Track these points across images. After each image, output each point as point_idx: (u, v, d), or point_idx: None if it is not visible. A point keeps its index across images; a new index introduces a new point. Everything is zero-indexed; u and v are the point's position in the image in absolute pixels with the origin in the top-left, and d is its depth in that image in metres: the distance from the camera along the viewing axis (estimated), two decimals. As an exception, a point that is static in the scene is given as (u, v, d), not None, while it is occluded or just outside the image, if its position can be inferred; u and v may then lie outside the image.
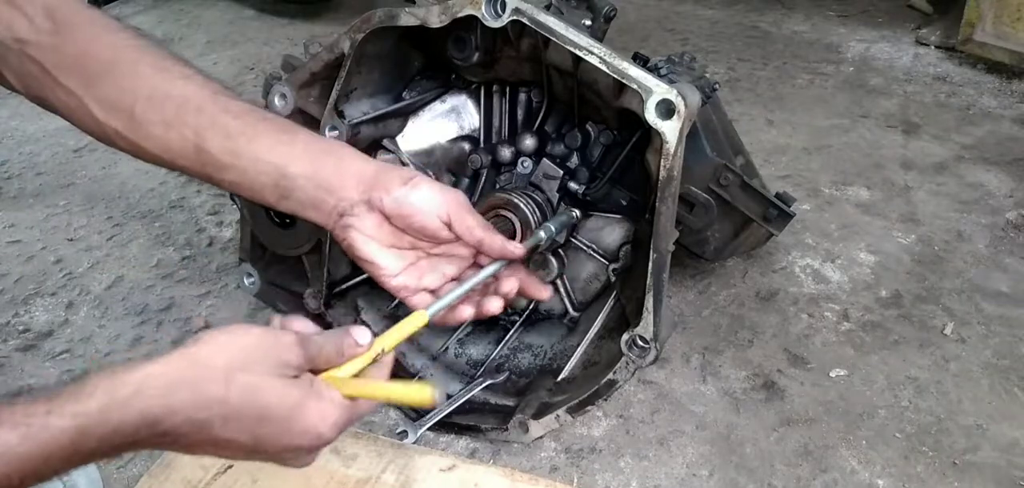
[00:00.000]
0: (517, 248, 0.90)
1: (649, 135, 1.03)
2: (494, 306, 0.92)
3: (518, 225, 1.13)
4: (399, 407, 1.22)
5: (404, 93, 1.26)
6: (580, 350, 1.18)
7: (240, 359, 0.68)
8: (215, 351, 0.68)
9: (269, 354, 0.70)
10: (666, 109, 0.96)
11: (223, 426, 0.67)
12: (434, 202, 0.86)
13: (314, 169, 0.85)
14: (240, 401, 0.67)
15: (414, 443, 1.15)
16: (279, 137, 0.86)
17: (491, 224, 0.91)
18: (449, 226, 0.87)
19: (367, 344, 0.77)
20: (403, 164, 1.28)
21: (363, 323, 1.27)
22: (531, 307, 1.29)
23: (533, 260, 1.21)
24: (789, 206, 1.30)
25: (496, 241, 0.88)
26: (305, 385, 0.72)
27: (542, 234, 1.04)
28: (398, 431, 1.16)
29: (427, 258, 0.91)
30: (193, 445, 0.68)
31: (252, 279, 1.33)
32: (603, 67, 0.98)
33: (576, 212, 1.21)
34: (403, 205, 0.85)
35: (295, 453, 0.74)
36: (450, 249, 0.91)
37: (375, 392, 0.78)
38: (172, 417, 0.65)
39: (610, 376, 1.07)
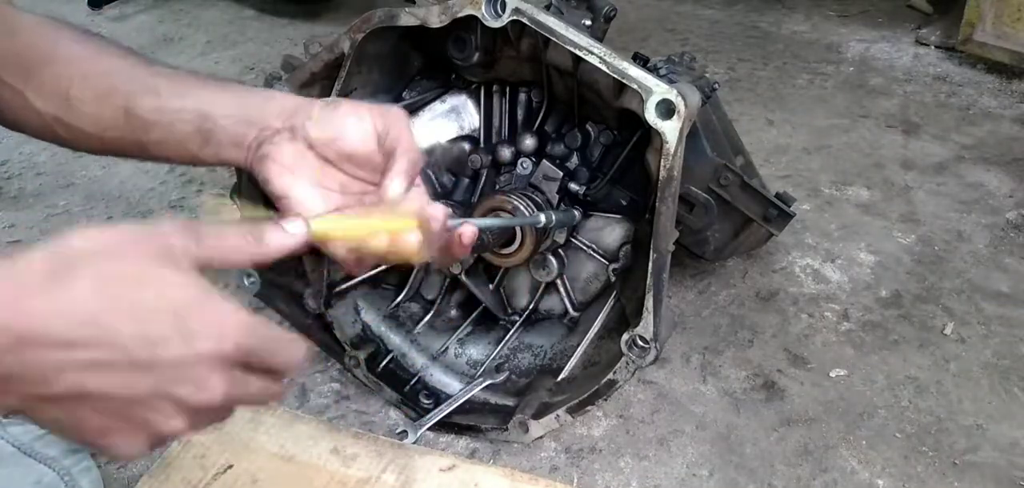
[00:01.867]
0: (432, 208, 0.75)
1: (649, 135, 1.03)
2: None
3: (518, 227, 1.13)
4: (399, 405, 1.22)
5: (404, 93, 1.26)
6: (580, 350, 1.18)
7: (100, 245, 0.54)
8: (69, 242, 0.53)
9: (141, 240, 0.56)
10: (666, 109, 0.96)
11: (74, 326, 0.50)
12: (361, 120, 0.76)
13: (238, 107, 0.79)
14: (94, 284, 0.51)
15: (414, 443, 1.15)
16: (207, 86, 0.81)
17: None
18: (382, 143, 0.76)
19: (299, 233, 0.63)
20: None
21: (364, 323, 1.27)
22: (531, 307, 1.29)
23: (533, 260, 1.21)
24: (789, 206, 1.31)
25: (426, 207, 0.75)
26: (196, 276, 0.56)
27: (542, 217, 1.06)
28: (398, 431, 1.17)
29: (356, 207, 0.77)
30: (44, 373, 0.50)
31: (252, 279, 1.33)
32: (603, 67, 0.98)
33: (577, 211, 1.21)
34: (325, 126, 0.75)
35: (190, 369, 0.54)
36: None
37: (351, 228, 0.65)
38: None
39: (610, 376, 1.07)
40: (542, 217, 1.09)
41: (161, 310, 0.53)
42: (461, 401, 1.18)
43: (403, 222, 0.66)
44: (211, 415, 0.59)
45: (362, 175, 0.77)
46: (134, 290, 0.53)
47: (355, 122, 0.76)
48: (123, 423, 0.55)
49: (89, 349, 0.50)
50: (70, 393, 0.51)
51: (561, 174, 1.22)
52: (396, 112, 0.77)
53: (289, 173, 0.75)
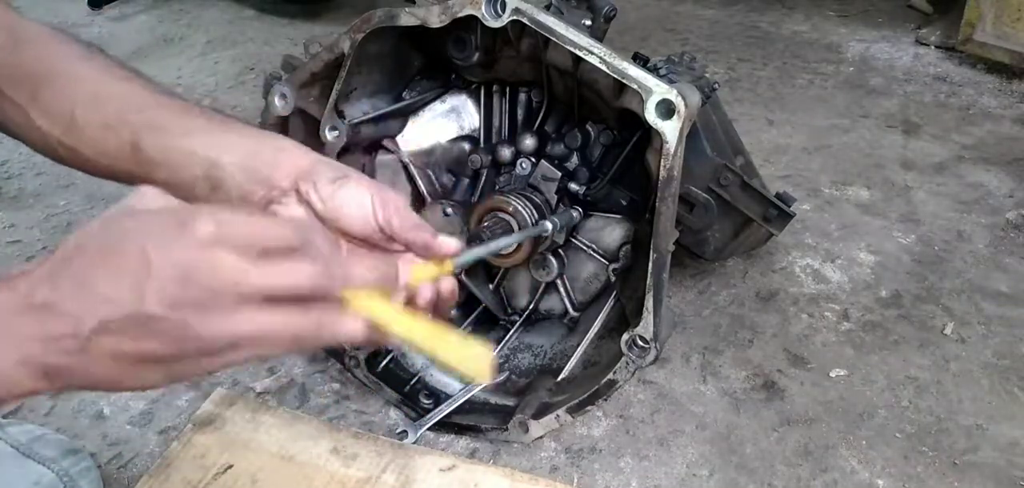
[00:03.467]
0: (451, 243, 0.78)
1: (649, 135, 1.03)
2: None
3: (516, 227, 1.13)
4: (399, 405, 1.22)
5: (404, 93, 1.26)
6: (580, 350, 1.18)
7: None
8: None
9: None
10: (666, 109, 0.96)
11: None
12: (364, 204, 0.75)
13: (246, 157, 0.79)
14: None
15: (414, 443, 1.15)
16: (213, 128, 0.81)
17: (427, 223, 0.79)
18: (383, 231, 0.76)
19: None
20: (403, 165, 1.28)
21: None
22: (531, 307, 1.29)
23: (533, 260, 1.21)
24: (789, 206, 1.30)
25: (430, 243, 0.77)
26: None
27: (548, 225, 1.06)
28: (398, 431, 1.16)
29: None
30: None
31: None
32: (603, 67, 0.98)
33: (576, 211, 1.21)
34: (329, 204, 0.76)
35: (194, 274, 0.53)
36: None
37: (425, 335, 0.61)
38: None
39: (610, 376, 1.07)
40: (548, 224, 1.10)
41: (144, 228, 0.55)
42: (461, 401, 1.18)
43: (478, 352, 0.62)
44: (256, 311, 0.55)
45: (364, 245, 0.77)
46: (118, 226, 0.56)
47: (357, 207, 0.75)
48: (149, 345, 0.55)
49: (94, 287, 0.53)
50: (101, 326, 0.53)
51: (560, 174, 1.22)
52: (395, 201, 0.76)
53: None
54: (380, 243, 0.77)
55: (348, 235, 0.76)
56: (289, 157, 0.79)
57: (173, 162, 0.79)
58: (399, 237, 0.76)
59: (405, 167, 1.28)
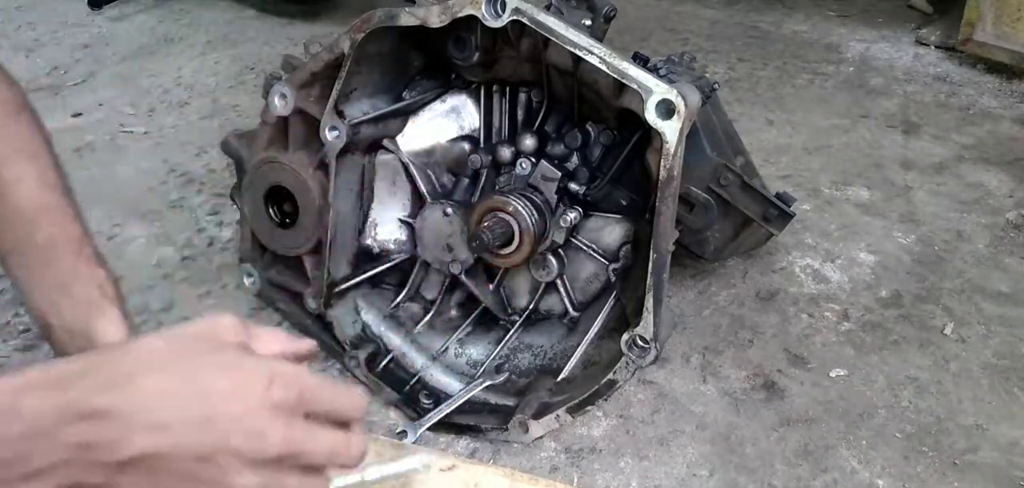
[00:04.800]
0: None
1: (649, 135, 1.03)
2: None
3: (517, 228, 1.13)
4: (399, 406, 1.22)
5: (404, 93, 1.26)
6: (580, 350, 1.18)
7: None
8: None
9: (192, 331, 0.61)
10: (666, 109, 0.96)
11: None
12: None
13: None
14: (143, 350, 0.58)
15: (413, 443, 1.15)
16: (54, 282, 0.81)
17: None
18: None
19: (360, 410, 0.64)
20: (403, 164, 1.28)
21: (364, 323, 1.27)
22: (531, 307, 1.29)
23: (533, 259, 1.21)
24: (789, 206, 1.31)
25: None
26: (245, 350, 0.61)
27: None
28: (398, 431, 1.16)
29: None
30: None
31: (252, 279, 1.33)
32: (603, 67, 0.98)
33: (574, 214, 1.21)
34: None
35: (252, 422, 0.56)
36: None
37: None
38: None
39: (610, 376, 1.07)
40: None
41: (218, 371, 0.58)
42: (460, 402, 1.18)
43: None
44: (283, 469, 0.59)
45: None
46: (192, 360, 0.58)
47: None
48: (197, 485, 0.57)
49: (155, 411, 0.54)
50: (137, 457, 0.54)
51: (560, 174, 1.22)
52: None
53: None
54: None
55: None
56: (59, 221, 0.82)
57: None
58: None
59: (405, 167, 1.28)
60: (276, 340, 0.65)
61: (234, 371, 0.58)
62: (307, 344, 0.68)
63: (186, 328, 0.61)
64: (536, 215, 1.16)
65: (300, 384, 0.60)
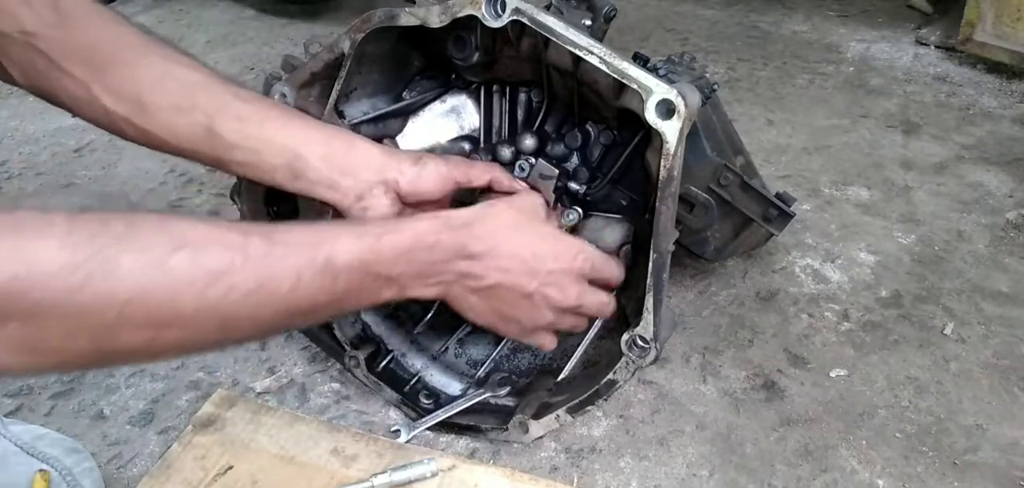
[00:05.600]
0: (518, 183, 1.09)
1: (649, 135, 1.02)
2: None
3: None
4: (399, 406, 1.22)
5: (404, 93, 1.26)
6: (580, 350, 1.18)
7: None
8: None
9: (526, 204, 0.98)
10: (666, 109, 0.96)
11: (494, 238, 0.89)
12: (442, 175, 0.98)
13: (327, 150, 0.91)
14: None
15: (408, 442, 1.15)
16: (289, 120, 0.92)
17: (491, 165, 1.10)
18: (458, 185, 1.01)
19: None
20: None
21: (364, 323, 1.27)
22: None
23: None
24: (789, 206, 1.30)
25: (504, 179, 1.08)
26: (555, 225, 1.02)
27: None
28: (393, 429, 1.16)
29: None
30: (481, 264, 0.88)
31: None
32: (603, 67, 0.98)
33: (574, 214, 1.21)
34: (417, 184, 0.96)
35: (560, 274, 0.93)
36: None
37: None
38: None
39: (610, 376, 1.07)
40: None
41: (544, 243, 0.92)
42: (456, 411, 1.18)
43: None
44: (567, 316, 0.97)
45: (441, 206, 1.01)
46: (529, 232, 0.92)
47: (436, 179, 0.98)
48: (516, 311, 0.92)
49: (503, 258, 0.88)
50: (490, 286, 0.89)
51: (556, 173, 1.22)
52: (461, 162, 1.04)
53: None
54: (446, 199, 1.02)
55: (429, 204, 0.97)
56: (363, 151, 0.95)
57: (251, 147, 0.89)
58: (479, 184, 1.04)
59: (405, 167, 1.28)
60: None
61: (554, 242, 0.94)
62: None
63: (522, 201, 0.98)
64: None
65: (593, 260, 0.97)
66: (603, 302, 0.99)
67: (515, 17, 1.01)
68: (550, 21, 1.00)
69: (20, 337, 0.57)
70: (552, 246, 0.92)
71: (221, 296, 0.65)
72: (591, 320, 1.04)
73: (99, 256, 0.59)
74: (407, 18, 1.06)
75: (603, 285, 1.00)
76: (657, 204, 0.99)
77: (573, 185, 1.23)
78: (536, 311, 0.92)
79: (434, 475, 1.02)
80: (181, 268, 0.63)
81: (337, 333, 1.24)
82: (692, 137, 1.14)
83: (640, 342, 1.04)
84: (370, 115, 1.19)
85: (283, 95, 1.15)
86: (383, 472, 1.01)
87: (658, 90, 0.96)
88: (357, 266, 0.78)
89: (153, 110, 0.85)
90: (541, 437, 1.16)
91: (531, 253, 0.90)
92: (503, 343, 1.27)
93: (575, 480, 1.10)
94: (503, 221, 0.90)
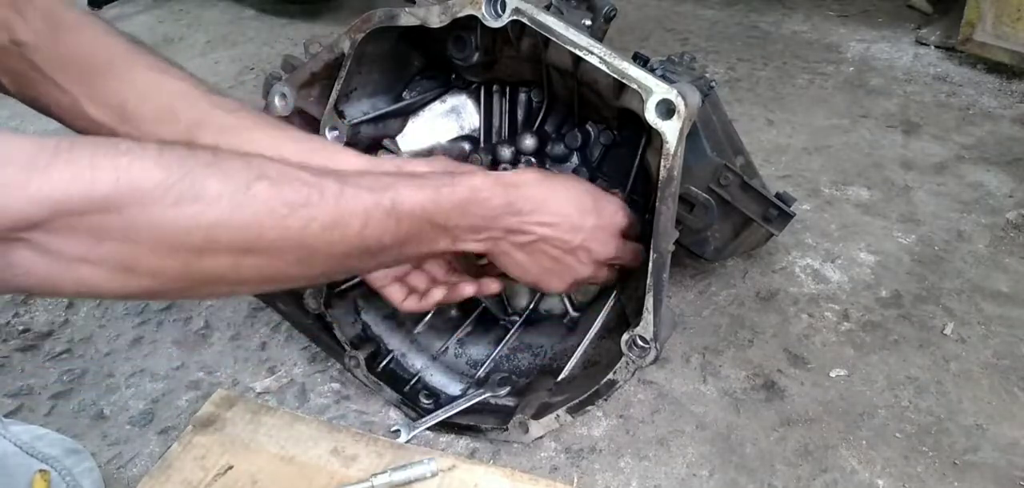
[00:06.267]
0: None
1: (649, 135, 1.03)
2: (467, 290, 1.10)
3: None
4: (399, 406, 1.22)
5: (404, 93, 1.26)
6: (580, 350, 1.18)
7: None
8: None
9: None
10: (666, 109, 0.96)
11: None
12: None
13: (308, 162, 0.89)
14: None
15: (408, 442, 1.15)
16: (270, 132, 0.92)
17: None
18: None
19: None
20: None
21: (364, 323, 1.27)
22: (531, 307, 1.29)
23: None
24: (789, 206, 1.30)
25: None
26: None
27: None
28: (393, 429, 1.16)
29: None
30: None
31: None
32: (603, 67, 0.98)
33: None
34: None
35: (601, 232, 1.01)
36: None
37: None
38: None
39: (610, 376, 1.07)
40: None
41: (586, 199, 1.00)
42: (456, 411, 1.18)
43: None
44: (603, 268, 1.05)
45: None
46: (572, 191, 0.99)
47: None
48: (559, 266, 0.99)
49: (549, 215, 0.95)
50: (535, 240, 0.96)
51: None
52: (442, 161, 1.09)
53: None
54: None
55: None
56: (344, 161, 0.94)
57: None
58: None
59: (405, 167, 1.28)
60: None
61: (594, 199, 1.01)
62: None
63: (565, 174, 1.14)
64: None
65: (628, 217, 1.06)
66: (638, 250, 1.08)
67: (515, 17, 1.01)
68: (550, 21, 1.00)
69: (116, 257, 0.61)
70: (594, 202, 1.00)
71: (301, 227, 0.70)
72: (622, 272, 1.12)
73: (189, 177, 0.63)
74: (407, 18, 1.07)
75: (631, 237, 1.08)
76: (657, 204, 0.99)
77: (573, 185, 1.23)
78: (579, 265, 1.00)
79: (434, 475, 1.02)
80: (263, 197, 0.67)
81: (337, 333, 1.24)
82: (692, 137, 1.14)
83: (640, 342, 1.04)
84: (370, 115, 1.19)
85: (283, 95, 1.15)
86: (383, 472, 1.01)
87: (658, 90, 0.96)
88: (418, 213, 0.82)
89: (136, 120, 0.85)
90: (541, 437, 1.16)
91: (575, 209, 0.97)
92: (503, 343, 1.27)
93: (575, 480, 1.10)
94: (549, 181, 0.97)
